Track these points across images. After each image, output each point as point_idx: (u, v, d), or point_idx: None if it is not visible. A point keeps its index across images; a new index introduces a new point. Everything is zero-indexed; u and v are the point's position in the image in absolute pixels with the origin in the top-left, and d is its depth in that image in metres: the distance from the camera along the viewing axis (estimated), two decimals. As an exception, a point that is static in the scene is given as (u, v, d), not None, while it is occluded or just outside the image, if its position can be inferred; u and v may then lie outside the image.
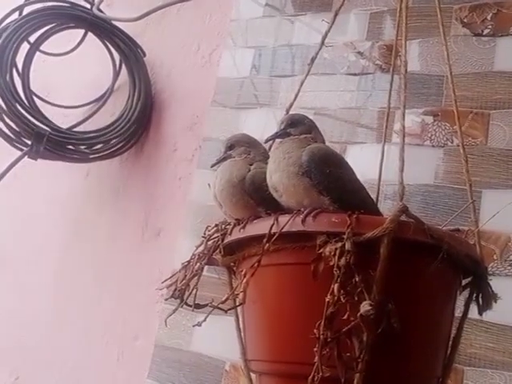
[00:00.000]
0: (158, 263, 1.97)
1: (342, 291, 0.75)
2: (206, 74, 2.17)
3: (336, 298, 0.75)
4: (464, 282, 0.96)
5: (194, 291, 0.94)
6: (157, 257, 2.01)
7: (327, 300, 0.75)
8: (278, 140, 1.01)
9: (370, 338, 0.74)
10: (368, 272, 0.78)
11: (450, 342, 0.93)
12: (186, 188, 2.04)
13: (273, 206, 0.96)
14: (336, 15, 1.26)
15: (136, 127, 2.19)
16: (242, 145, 1.09)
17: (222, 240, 0.98)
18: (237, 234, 0.94)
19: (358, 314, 0.74)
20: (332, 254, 0.79)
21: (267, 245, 0.83)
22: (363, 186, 0.96)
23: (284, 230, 0.84)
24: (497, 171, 1.56)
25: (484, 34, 1.72)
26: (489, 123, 1.63)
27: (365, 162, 1.53)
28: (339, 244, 0.79)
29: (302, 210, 0.86)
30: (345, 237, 0.79)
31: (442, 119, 1.70)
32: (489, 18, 1.72)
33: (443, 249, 0.82)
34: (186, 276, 0.96)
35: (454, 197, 1.59)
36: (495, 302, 0.91)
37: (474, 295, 0.94)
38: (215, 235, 1.00)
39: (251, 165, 1.05)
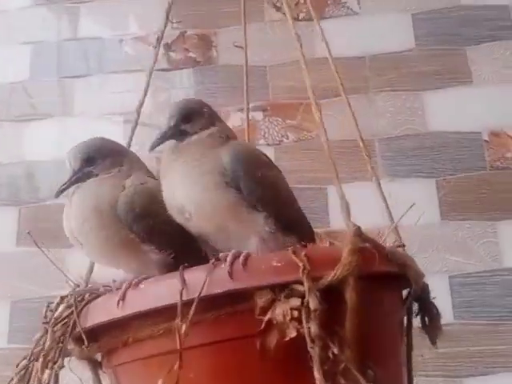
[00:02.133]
0: None
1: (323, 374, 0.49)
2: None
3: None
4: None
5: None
6: None
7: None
8: (169, 144, 0.69)
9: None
10: (335, 332, 0.54)
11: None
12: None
13: (167, 241, 0.67)
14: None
15: None
16: (107, 154, 0.72)
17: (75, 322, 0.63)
18: (110, 311, 0.60)
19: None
20: (289, 318, 0.52)
21: (183, 325, 0.52)
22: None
23: (203, 293, 0.54)
24: (339, 164, 1.46)
25: (300, 18, 1.61)
26: (321, 114, 1.51)
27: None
28: (295, 301, 0.53)
29: (222, 255, 0.57)
30: (303, 288, 0.53)
31: (272, 114, 1.53)
32: (302, 0, 1.61)
33: (411, 276, 0.62)
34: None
35: (303, 197, 1.44)
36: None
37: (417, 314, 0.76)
38: (65, 314, 0.64)
39: (129, 177, 0.71)
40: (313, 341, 0.49)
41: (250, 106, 1.55)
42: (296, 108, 1.52)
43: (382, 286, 0.61)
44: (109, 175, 0.71)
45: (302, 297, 0.53)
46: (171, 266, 0.67)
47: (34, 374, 0.60)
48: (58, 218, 1.45)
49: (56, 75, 1.61)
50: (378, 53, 1.54)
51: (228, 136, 0.69)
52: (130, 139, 0.86)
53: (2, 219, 1.49)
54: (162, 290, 0.57)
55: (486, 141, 1.43)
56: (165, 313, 0.56)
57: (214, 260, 0.56)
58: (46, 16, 1.66)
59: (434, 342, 0.74)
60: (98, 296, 0.65)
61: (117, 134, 1.53)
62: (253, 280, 0.54)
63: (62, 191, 0.70)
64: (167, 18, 0.91)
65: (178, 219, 0.65)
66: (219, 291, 0.54)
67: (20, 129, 1.58)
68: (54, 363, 0.60)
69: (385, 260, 0.59)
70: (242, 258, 0.56)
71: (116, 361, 0.63)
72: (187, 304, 0.54)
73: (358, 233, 0.57)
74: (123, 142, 1.49)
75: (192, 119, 0.69)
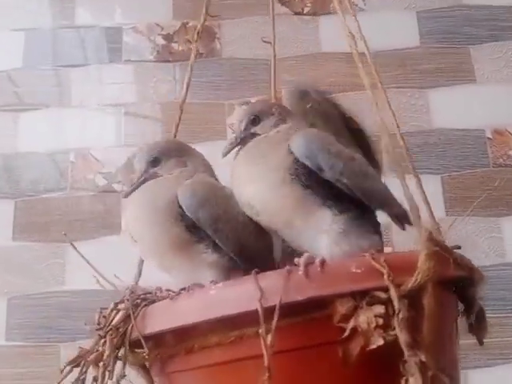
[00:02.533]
0: None
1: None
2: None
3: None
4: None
5: None
6: None
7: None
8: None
9: None
10: (415, 339, 0.53)
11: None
12: None
13: (227, 239, 0.65)
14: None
15: None
16: (172, 155, 0.71)
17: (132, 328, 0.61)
18: (176, 317, 0.58)
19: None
20: (373, 325, 0.51)
21: (269, 335, 0.50)
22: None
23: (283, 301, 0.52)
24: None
25: (305, 12, 1.59)
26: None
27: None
28: (379, 308, 0.52)
29: (297, 261, 0.55)
30: (385, 295, 0.52)
31: (277, 108, 1.51)
32: (306, -6, 1.59)
33: (476, 279, 0.62)
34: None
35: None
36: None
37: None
38: (118, 319, 0.61)
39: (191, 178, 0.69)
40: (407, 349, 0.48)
41: (254, 100, 1.55)
42: (303, 103, 1.51)
43: (449, 289, 0.61)
44: (171, 175, 0.70)
45: (385, 304, 0.52)
46: (227, 271, 0.65)
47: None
48: (55, 211, 1.42)
49: (51, 64, 1.55)
50: (383, 49, 1.54)
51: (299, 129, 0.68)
52: (175, 136, 0.83)
53: (-2, 212, 1.43)
54: (234, 296, 0.55)
55: (489, 138, 1.46)
56: (236, 320, 0.55)
57: (287, 268, 0.55)
58: (40, 2, 1.59)
59: (481, 343, 0.74)
60: (154, 301, 0.62)
61: (116, 126, 1.50)
62: (333, 287, 0.53)
63: (130, 192, 0.70)
64: (206, 11, 0.89)
65: (249, 213, 0.64)
66: (300, 298, 0.52)
67: (14, 119, 1.51)
68: (111, 372, 0.58)
69: (456, 264, 0.59)
70: (318, 262, 0.54)
71: (174, 368, 0.61)
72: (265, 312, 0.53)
73: (431, 237, 0.57)
74: (122, 134, 1.48)
75: (261, 120, 0.68)
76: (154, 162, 0.71)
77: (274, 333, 0.50)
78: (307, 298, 0.52)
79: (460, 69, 1.51)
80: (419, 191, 0.85)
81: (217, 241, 0.65)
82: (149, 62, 1.54)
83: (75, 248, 0.74)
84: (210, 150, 1.46)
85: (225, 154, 0.68)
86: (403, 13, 1.58)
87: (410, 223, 0.65)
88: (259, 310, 0.51)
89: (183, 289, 0.59)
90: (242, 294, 0.54)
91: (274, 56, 1.01)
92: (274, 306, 0.52)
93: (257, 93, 1.50)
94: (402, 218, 0.66)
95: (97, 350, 0.60)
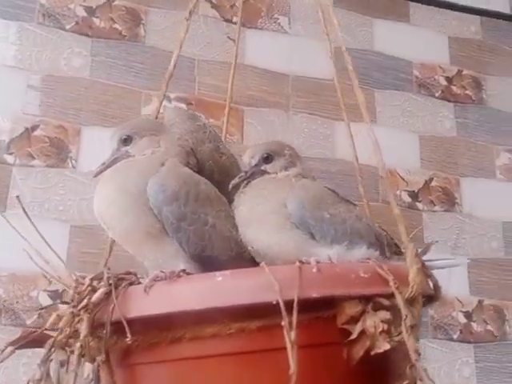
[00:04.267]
0: None
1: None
2: None
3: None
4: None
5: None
6: None
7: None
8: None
9: None
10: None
11: None
12: None
13: (197, 234, 0.61)
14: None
15: None
16: (145, 134, 0.66)
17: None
18: (168, 302, 0.53)
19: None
20: (379, 330, 0.53)
21: (292, 327, 0.48)
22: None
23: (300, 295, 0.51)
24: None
25: (234, 21, 1.59)
26: (243, 120, 1.52)
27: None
28: (385, 314, 0.53)
29: (305, 259, 0.55)
30: (387, 302, 0.54)
31: (196, 109, 1.49)
32: (237, 4, 1.60)
33: (438, 296, 0.67)
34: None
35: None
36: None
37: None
38: (97, 297, 0.54)
39: (163, 164, 0.64)
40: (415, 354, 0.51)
41: (174, 95, 1.50)
42: (221, 109, 1.50)
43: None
44: (143, 157, 0.66)
45: (388, 310, 0.54)
46: (203, 263, 0.62)
47: (65, 367, 0.50)
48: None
49: None
50: (302, 75, 1.61)
51: (303, 177, 0.70)
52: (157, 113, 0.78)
53: None
54: (246, 286, 0.52)
55: (381, 177, 1.58)
56: (240, 311, 0.53)
57: (300, 261, 0.54)
58: None
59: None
60: (132, 282, 0.57)
61: (14, 94, 1.34)
62: (344, 288, 0.53)
63: (100, 172, 0.65)
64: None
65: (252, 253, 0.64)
66: (314, 295, 0.52)
67: None
68: (87, 356, 0.51)
69: (432, 282, 0.63)
70: (332, 259, 0.55)
71: (147, 358, 0.56)
72: (272, 305, 0.51)
73: (417, 254, 0.61)
74: (23, 104, 1.33)
75: (273, 160, 0.69)
76: (126, 140, 0.67)
77: (295, 328, 0.49)
78: (321, 296, 0.52)
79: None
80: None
81: (175, 240, 0.61)
82: (65, 31, 1.41)
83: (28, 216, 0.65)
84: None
85: (232, 186, 0.67)
86: (321, 44, 1.66)
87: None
88: (280, 302, 0.50)
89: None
90: (254, 285, 0.52)
91: (236, 56, 1.00)
92: (288, 300, 0.51)
93: (177, 89, 1.46)
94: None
95: (63, 330, 0.53)
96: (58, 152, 1.32)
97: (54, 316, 0.56)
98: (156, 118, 0.83)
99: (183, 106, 1.47)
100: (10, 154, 1.28)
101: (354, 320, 0.53)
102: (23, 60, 1.36)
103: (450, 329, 1.48)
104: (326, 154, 1.57)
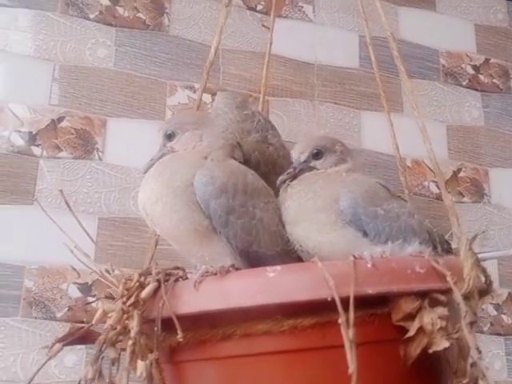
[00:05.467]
0: None
1: None
2: None
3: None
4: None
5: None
6: None
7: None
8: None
9: None
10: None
11: None
12: None
13: (245, 230, 0.59)
14: None
15: None
16: (188, 128, 0.65)
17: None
18: (220, 298, 0.52)
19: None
20: (437, 327, 0.51)
21: (350, 325, 0.47)
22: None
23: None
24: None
25: (257, 9, 1.57)
26: (268, 110, 1.50)
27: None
28: (442, 310, 0.52)
29: (358, 254, 0.53)
30: (443, 297, 0.52)
31: (220, 99, 1.47)
32: (261, -8, 1.58)
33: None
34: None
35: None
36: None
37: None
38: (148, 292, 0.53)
39: (206, 158, 0.63)
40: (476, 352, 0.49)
41: (198, 85, 1.48)
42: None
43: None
44: (185, 151, 0.65)
45: (445, 306, 0.52)
46: (249, 259, 0.61)
47: (119, 365, 0.49)
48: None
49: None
50: (327, 64, 1.58)
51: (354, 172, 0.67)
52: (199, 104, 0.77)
53: None
54: (298, 283, 0.51)
55: (408, 167, 1.56)
56: (293, 308, 0.51)
57: (352, 257, 0.53)
58: None
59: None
60: (180, 278, 0.56)
61: (41, 84, 1.34)
62: (401, 284, 0.52)
63: (148, 167, 0.64)
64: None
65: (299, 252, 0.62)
66: (370, 292, 0.50)
67: None
68: (139, 354, 0.50)
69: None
70: (384, 254, 0.53)
71: (198, 355, 0.55)
72: (326, 302, 0.50)
73: (471, 247, 0.59)
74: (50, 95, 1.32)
75: (323, 156, 0.67)
76: (170, 136, 0.66)
77: (353, 325, 0.47)
78: (377, 293, 0.51)
79: (391, 98, 1.60)
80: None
81: (222, 235, 0.60)
82: (89, 20, 1.40)
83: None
84: (144, 129, 1.38)
85: (280, 182, 0.65)
86: (347, 33, 1.64)
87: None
88: (336, 299, 0.48)
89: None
90: (307, 281, 0.51)
91: (270, 44, 0.98)
92: (343, 297, 0.49)
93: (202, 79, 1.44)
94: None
95: (113, 328, 0.52)
96: (85, 144, 1.30)
97: (99, 312, 0.55)
98: (197, 109, 0.82)
99: (208, 96, 1.46)
100: (37, 145, 1.27)
101: (411, 317, 0.51)
102: (48, 50, 1.35)
103: (481, 321, 1.45)
104: (352, 144, 1.54)
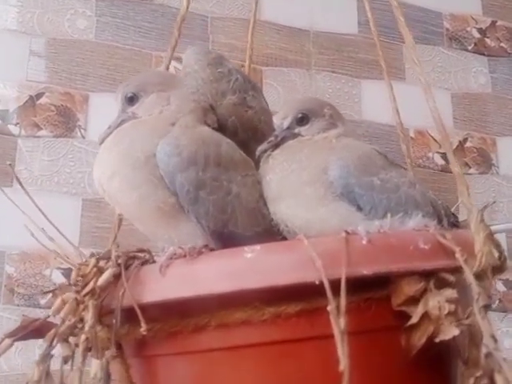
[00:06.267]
0: None
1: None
2: None
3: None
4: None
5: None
6: None
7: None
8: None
9: None
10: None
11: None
12: None
13: (218, 207, 0.51)
14: None
15: None
16: (153, 90, 0.56)
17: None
18: (189, 284, 0.44)
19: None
20: (445, 312, 0.43)
21: (340, 312, 0.39)
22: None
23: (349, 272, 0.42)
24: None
25: (248, -26, 1.47)
26: (262, 81, 1.42)
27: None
28: (450, 292, 0.44)
29: (351, 229, 0.46)
30: (451, 277, 0.45)
31: (210, 70, 1.38)
32: (252, -45, 1.48)
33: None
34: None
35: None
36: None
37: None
38: (104, 279, 0.46)
39: (174, 124, 0.54)
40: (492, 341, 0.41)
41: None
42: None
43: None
44: (150, 117, 0.56)
45: (454, 287, 0.45)
46: (225, 242, 0.52)
47: (68, 364, 0.42)
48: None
49: None
50: (324, 30, 1.49)
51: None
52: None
53: None
54: (281, 264, 0.43)
55: (412, 138, 1.48)
56: (276, 293, 0.44)
57: (344, 233, 0.45)
58: None
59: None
60: (146, 261, 0.48)
61: (16, 59, 1.26)
62: (401, 262, 0.44)
63: (105, 137, 0.56)
64: None
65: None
66: (365, 272, 0.43)
67: None
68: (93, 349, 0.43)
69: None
70: (382, 229, 0.45)
71: (167, 349, 0.47)
72: (314, 285, 0.42)
73: (483, 219, 0.51)
74: (27, 71, 1.24)
75: (309, 121, 0.58)
76: (132, 99, 0.57)
77: (345, 313, 0.40)
78: (373, 274, 0.43)
79: (392, 65, 1.51)
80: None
81: (191, 214, 0.52)
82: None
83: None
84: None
85: (259, 153, 0.57)
86: (343, -4, 1.54)
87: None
88: (325, 282, 0.40)
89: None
90: (291, 262, 0.43)
91: (255, 12, 0.89)
92: (334, 279, 0.42)
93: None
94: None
95: (66, 320, 0.44)
96: (66, 121, 1.23)
97: (58, 301, 0.48)
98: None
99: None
100: (15, 124, 1.20)
101: (414, 300, 0.44)
102: (24, 23, 1.26)
103: (490, 298, 1.38)
104: (352, 115, 1.45)
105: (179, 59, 1.35)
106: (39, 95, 1.22)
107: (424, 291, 0.44)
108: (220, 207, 0.52)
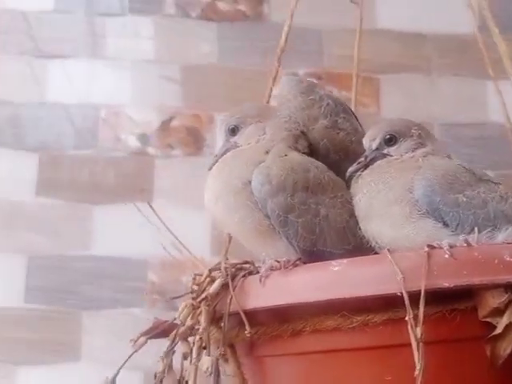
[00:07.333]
0: None
1: None
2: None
3: None
4: None
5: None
6: None
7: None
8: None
9: None
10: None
11: None
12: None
13: (307, 227, 0.56)
14: None
15: None
16: (251, 121, 0.63)
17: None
18: (288, 293, 0.50)
19: None
20: (532, 323, 0.44)
21: (418, 323, 0.43)
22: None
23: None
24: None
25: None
26: (379, 89, 1.43)
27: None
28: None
29: (437, 243, 0.48)
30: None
31: (326, 83, 1.43)
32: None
33: None
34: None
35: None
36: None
37: None
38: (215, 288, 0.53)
39: (268, 152, 0.61)
40: None
41: (303, 71, 1.46)
42: (350, 79, 1.43)
43: None
44: (248, 146, 0.63)
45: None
46: (315, 260, 0.57)
47: (185, 361, 0.50)
48: (82, 169, 1.33)
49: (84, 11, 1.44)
50: (441, 33, 1.46)
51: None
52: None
53: (21, 166, 1.34)
54: (365, 276, 0.47)
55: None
56: (364, 303, 0.48)
57: (427, 247, 0.48)
58: None
59: None
60: (251, 272, 0.55)
61: (151, 86, 1.41)
62: (485, 275, 0.46)
63: (212, 165, 0.64)
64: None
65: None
66: (446, 285, 0.45)
67: (44, 66, 1.41)
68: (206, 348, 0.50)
69: None
70: (465, 243, 0.48)
71: (271, 351, 0.54)
72: (398, 297, 0.45)
73: None
74: (160, 96, 1.39)
75: (397, 142, 0.60)
76: (233, 130, 0.64)
77: (423, 322, 0.43)
78: (455, 286, 0.45)
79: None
80: None
81: (282, 234, 0.57)
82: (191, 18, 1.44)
83: (152, 208, 0.67)
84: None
85: (350, 173, 0.60)
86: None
87: None
88: (404, 294, 0.44)
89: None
90: (374, 275, 0.47)
91: (361, 20, 0.93)
92: (415, 291, 0.45)
93: (306, 64, 1.42)
94: None
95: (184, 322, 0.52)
96: (195, 141, 1.35)
97: (182, 307, 0.56)
98: (268, 97, 0.80)
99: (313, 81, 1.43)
100: (152, 146, 1.35)
101: (499, 312, 0.45)
102: (157, 52, 1.41)
103: None
104: (478, 117, 1.41)
105: (296, 75, 1.43)
106: (172, 118, 1.36)
107: (509, 303, 0.45)
108: (308, 228, 0.57)
